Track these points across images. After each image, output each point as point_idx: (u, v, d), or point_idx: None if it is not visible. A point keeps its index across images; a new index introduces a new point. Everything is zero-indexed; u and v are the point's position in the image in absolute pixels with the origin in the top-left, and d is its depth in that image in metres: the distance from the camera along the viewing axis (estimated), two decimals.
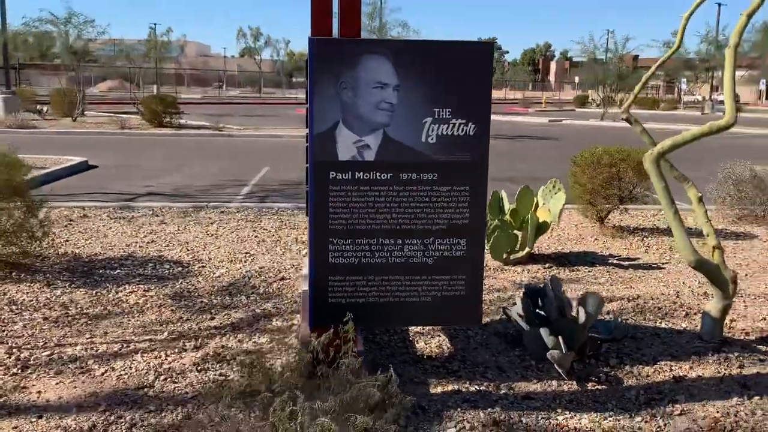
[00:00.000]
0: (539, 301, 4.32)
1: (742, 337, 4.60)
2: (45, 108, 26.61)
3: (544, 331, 4.00)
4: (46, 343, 4.28)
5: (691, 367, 4.09)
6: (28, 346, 4.21)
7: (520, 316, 4.35)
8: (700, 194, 4.59)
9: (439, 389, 3.74)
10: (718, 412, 3.55)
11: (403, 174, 3.42)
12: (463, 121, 3.40)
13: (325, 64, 3.27)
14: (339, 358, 3.08)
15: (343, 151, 3.36)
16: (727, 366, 4.12)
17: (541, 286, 4.38)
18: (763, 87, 44.99)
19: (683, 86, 47.13)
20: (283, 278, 5.76)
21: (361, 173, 3.40)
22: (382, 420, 2.78)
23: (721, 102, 41.70)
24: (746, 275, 6.11)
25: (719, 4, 50.27)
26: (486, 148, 3.47)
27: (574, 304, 4.31)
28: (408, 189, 3.45)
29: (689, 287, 5.75)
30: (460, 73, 3.36)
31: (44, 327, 4.56)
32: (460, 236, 3.53)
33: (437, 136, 3.40)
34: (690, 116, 40.77)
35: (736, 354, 4.29)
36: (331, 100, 3.30)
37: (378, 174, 3.41)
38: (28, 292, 5.23)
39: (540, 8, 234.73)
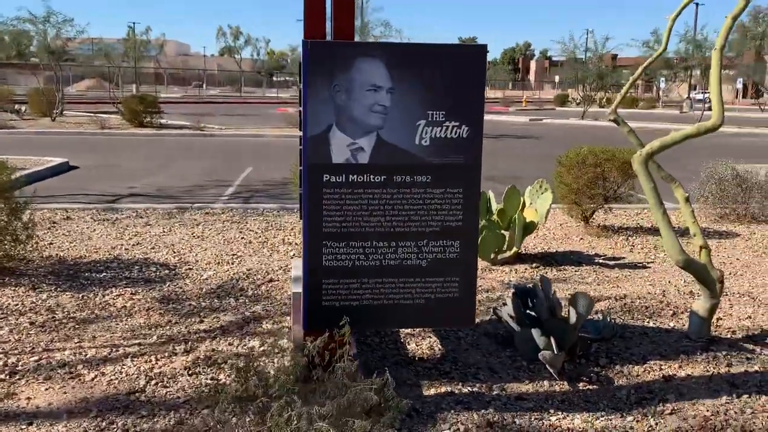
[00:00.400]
0: (529, 301, 4.33)
1: (728, 336, 4.66)
2: (23, 108, 26.28)
3: (535, 332, 4.02)
4: (33, 348, 4.23)
5: (680, 366, 4.13)
6: (15, 352, 4.16)
7: (510, 316, 4.37)
8: (687, 194, 4.64)
9: (432, 391, 3.74)
10: (708, 410, 3.59)
11: (397, 176, 3.42)
12: (457, 124, 3.40)
13: (318, 66, 3.25)
14: (335, 362, 3.08)
15: (337, 154, 3.35)
16: (716, 365, 4.16)
17: (531, 286, 4.40)
18: (740, 86, 45.56)
19: (662, 85, 47.64)
20: (271, 280, 5.74)
21: (355, 176, 3.39)
22: (379, 424, 2.78)
23: (700, 101, 42.19)
24: (730, 274, 6.18)
25: (697, 4, 50.87)
26: (479, 151, 3.47)
27: (564, 304, 4.33)
28: (402, 191, 3.44)
29: (675, 286, 5.81)
30: (454, 75, 3.37)
31: (31, 332, 4.50)
32: (453, 238, 3.54)
33: (431, 139, 3.40)
34: (669, 115, 41.18)
35: (724, 353, 4.33)
36: (325, 103, 3.29)
37: (372, 176, 3.40)
38: (13, 296, 5.17)
39: (520, 7, 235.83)
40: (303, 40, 3.27)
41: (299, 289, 3.58)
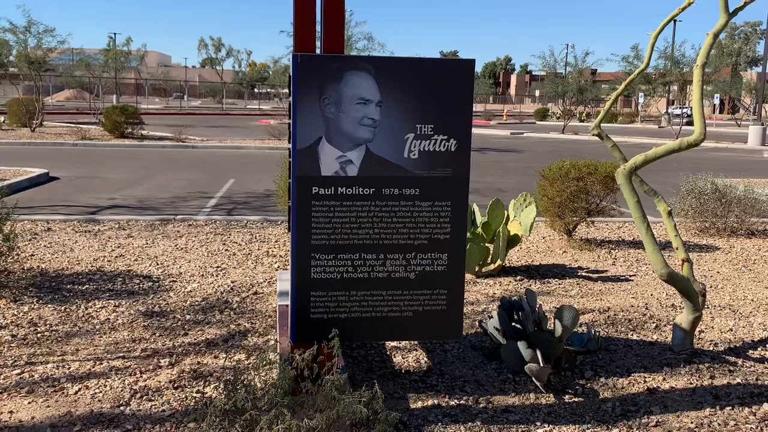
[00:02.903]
0: (515, 314, 4.36)
1: (711, 348, 4.71)
2: (2, 118, 26.00)
3: (521, 345, 4.04)
4: (15, 361, 4.17)
5: (664, 379, 4.17)
6: None
7: (496, 329, 4.39)
8: (669, 208, 4.70)
9: (419, 404, 3.74)
10: (692, 422, 3.63)
11: (386, 189, 3.43)
12: (445, 137, 3.43)
13: (308, 79, 3.26)
14: (323, 375, 3.07)
15: (326, 167, 3.36)
16: (699, 377, 4.20)
17: (517, 299, 4.42)
18: (716, 101, 46.26)
19: (641, 100, 48.28)
20: (256, 293, 5.71)
21: (344, 188, 3.40)
22: None
23: (677, 115, 42.75)
24: (711, 287, 6.25)
25: (675, 21, 51.62)
26: (467, 164, 3.50)
27: (550, 316, 4.35)
28: (390, 204, 3.46)
29: (657, 299, 5.86)
30: (442, 89, 3.40)
31: (12, 345, 4.44)
32: (441, 251, 3.55)
33: (419, 152, 3.42)
34: (648, 129, 41.73)
35: (707, 365, 4.38)
36: (315, 116, 3.30)
37: (361, 189, 3.41)
38: None
39: (501, 22, 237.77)
40: (293, 54, 3.28)
41: (285, 301, 3.58)
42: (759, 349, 4.72)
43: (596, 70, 53.47)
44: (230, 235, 7.96)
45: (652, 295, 6.00)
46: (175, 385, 3.89)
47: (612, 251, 7.65)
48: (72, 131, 23.98)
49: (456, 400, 3.79)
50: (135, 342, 4.55)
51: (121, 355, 4.32)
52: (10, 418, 3.47)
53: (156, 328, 4.81)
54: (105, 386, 3.85)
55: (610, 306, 5.61)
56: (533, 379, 3.99)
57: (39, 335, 4.62)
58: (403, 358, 4.39)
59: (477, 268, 6.38)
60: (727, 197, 8.75)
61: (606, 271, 6.82)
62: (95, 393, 3.77)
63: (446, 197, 3.50)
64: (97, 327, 4.81)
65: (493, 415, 3.64)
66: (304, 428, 2.72)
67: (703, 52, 4.45)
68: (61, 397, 3.71)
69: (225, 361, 4.26)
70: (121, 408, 3.60)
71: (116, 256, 6.78)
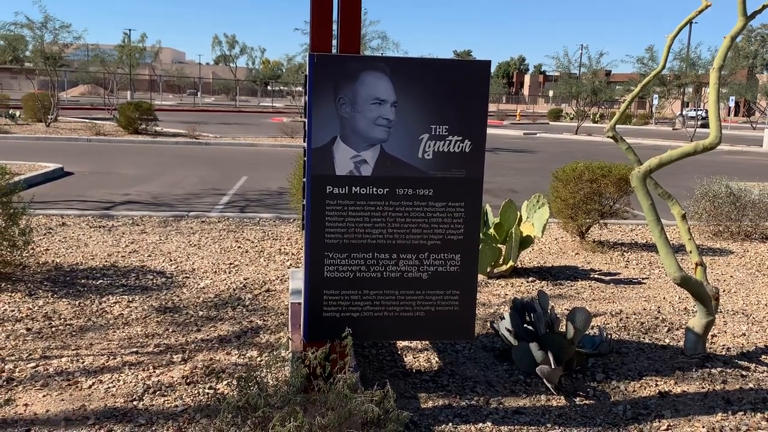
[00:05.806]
0: (527, 315, 4.35)
1: (723, 353, 4.68)
2: (18, 113, 26.21)
3: (533, 346, 4.04)
4: (30, 354, 4.22)
5: (675, 383, 4.15)
6: (12, 358, 4.15)
7: (508, 330, 4.39)
8: (683, 212, 4.68)
9: (429, 404, 3.75)
10: (703, 427, 3.61)
11: (400, 189, 3.44)
12: (459, 138, 3.43)
13: (324, 79, 3.28)
14: (335, 373, 3.08)
15: (341, 166, 3.37)
16: (711, 381, 4.19)
17: (529, 300, 4.42)
18: (732, 104, 45.95)
19: (655, 101, 48.04)
20: (268, 290, 5.74)
21: (358, 188, 3.41)
22: None
23: (692, 117, 42.49)
24: (724, 291, 6.22)
25: (691, 23, 51.26)
26: (481, 165, 3.50)
27: (562, 318, 4.35)
28: (404, 204, 3.46)
29: (670, 302, 5.84)
30: (457, 90, 3.40)
31: (28, 338, 4.49)
32: (454, 251, 3.56)
33: (434, 153, 3.43)
34: (662, 131, 41.51)
35: (719, 369, 4.36)
36: (330, 115, 3.32)
37: (374, 189, 3.42)
38: (9, 303, 5.15)
39: (515, 22, 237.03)
40: (309, 53, 3.29)
41: (298, 300, 3.59)
42: None
43: (610, 71, 53.10)
44: (243, 232, 8.00)
45: (664, 298, 5.97)
46: (188, 380, 3.92)
47: (625, 254, 7.63)
48: (86, 127, 24.16)
49: (467, 401, 3.80)
50: (148, 337, 4.58)
51: (135, 350, 4.35)
52: (25, 410, 3.51)
53: (169, 324, 4.84)
54: (118, 381, 3.89)
55: (622, 309, 5.59)
56: (544, 380, 3.99)
57: (53, 329, 4.66)
58: (414, 358, 4.40)
59: (489, 269, 6.38)
60: (741, 201, 8.70)
61: (618, 273, 6.79)
62: (109, 387, 3.80)
63: (460, 198, 3.50)
64: (110, 322, 4.85)
65: (503, 416, 3.64)
66: (316, 426, 2.73)
67: (720, 55, 4.43)
68: (75, 391, 3.75)
69: (237, 357, 4.29)
70: (134, 403, 3.63)
71: (130, 252, 6.82)
